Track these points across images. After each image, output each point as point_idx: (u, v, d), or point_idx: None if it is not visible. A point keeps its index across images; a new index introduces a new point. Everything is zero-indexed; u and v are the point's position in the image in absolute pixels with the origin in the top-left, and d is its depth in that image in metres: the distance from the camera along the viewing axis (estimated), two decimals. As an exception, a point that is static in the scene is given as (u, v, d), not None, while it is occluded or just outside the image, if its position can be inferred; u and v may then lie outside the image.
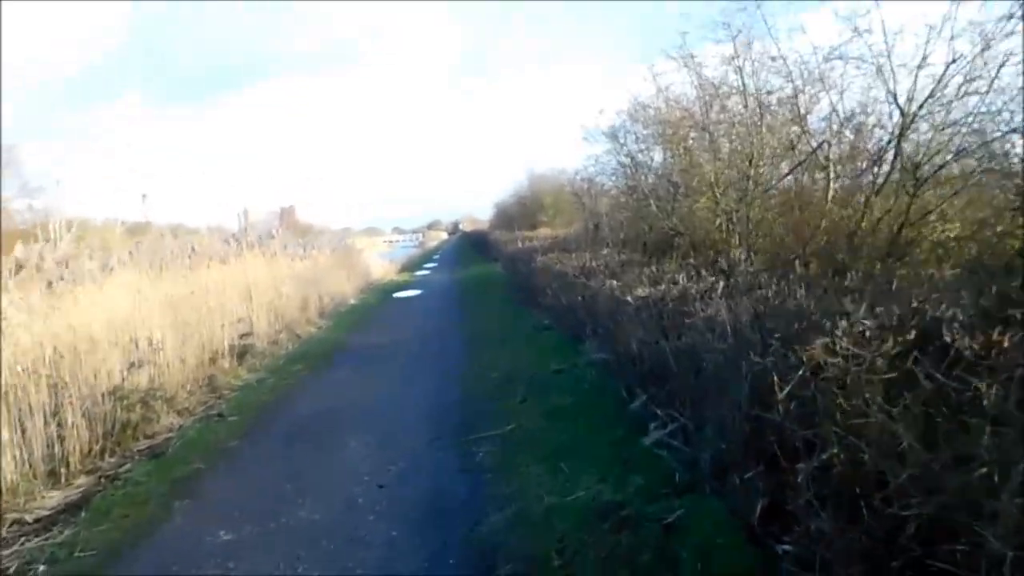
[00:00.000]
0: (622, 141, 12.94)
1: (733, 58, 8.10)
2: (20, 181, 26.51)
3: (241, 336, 8.77)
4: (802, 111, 7.51)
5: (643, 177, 12.59)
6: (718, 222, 8.38)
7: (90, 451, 5.11)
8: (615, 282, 6.01)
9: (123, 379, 5.85)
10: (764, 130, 8.17)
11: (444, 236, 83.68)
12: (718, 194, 8.87)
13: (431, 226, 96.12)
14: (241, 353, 8.49)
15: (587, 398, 5.30)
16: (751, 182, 8.48)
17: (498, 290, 14.18)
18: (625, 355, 5.17)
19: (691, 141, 10.30)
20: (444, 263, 31.28)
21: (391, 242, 73.86)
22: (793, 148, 7.61)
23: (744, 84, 8.19)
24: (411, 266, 29.04)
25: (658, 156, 12.37)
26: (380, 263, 23.78)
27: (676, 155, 10.55)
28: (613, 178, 13.93)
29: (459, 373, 7.35)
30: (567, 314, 7.39)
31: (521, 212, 28.73)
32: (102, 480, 4.91)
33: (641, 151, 12.52)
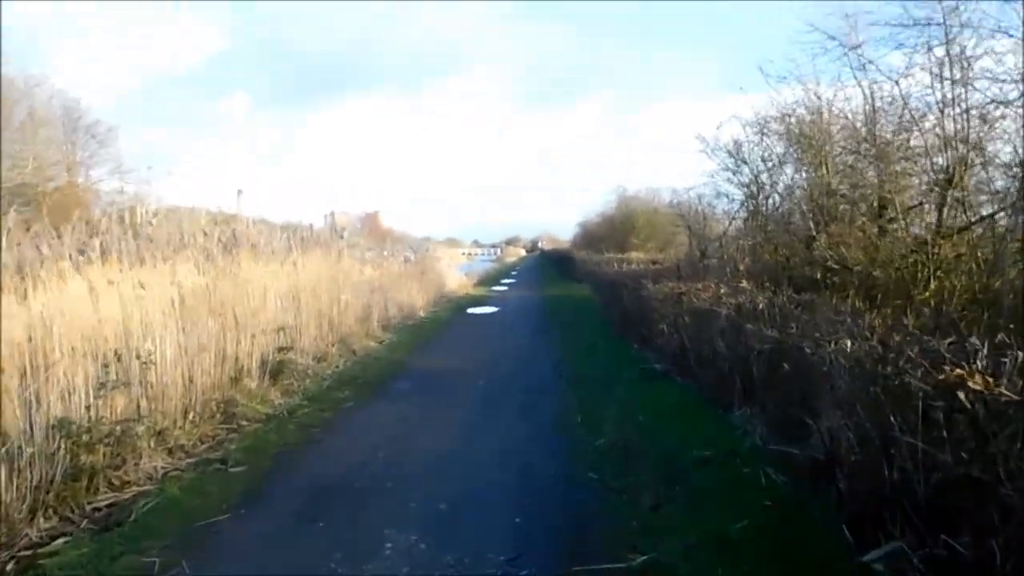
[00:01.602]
0: (745, 158, 10.90)
1: (939, 64, 5.97)
2: (114, 163, 26.65)
3: (279, 349, 7.14)
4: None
5: (773, 199, 10.48)
6: (911, 258, 6.12)
7: (5, 515, 3.45)
8: (794, 330, 3.94)
9: (88, 405, 4.21)
10: (969, 148, 5.92)
11: (522, 253, 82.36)
12: (903, 221, 6.65)
13: (510, 242, 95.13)
14: (276, 371, 6.84)
15: (772, 523, 3.16)
16: (947, 210, 6.23)
17: (590, 317, 12.16)
18: (833, 454, 3.11)
19: (852, 158, 8.14)
20: (524, 280, 29.47)
21: (470, 254, 73.11)
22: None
23: (949, 95, 5.99)
24: (488, 280, 27.39)
25: (788, 175, 10.29)
26: (456, 275, 22.19)
27: (822, 175, 8.42)
28: (729, 200, 11.86)
29: (547, 426, 5.41)
30: (704, 367, 5.33)
31: (610, 233, 26.68)
32: (8, 567, 3.24)
33: (770, 169, 10.46)
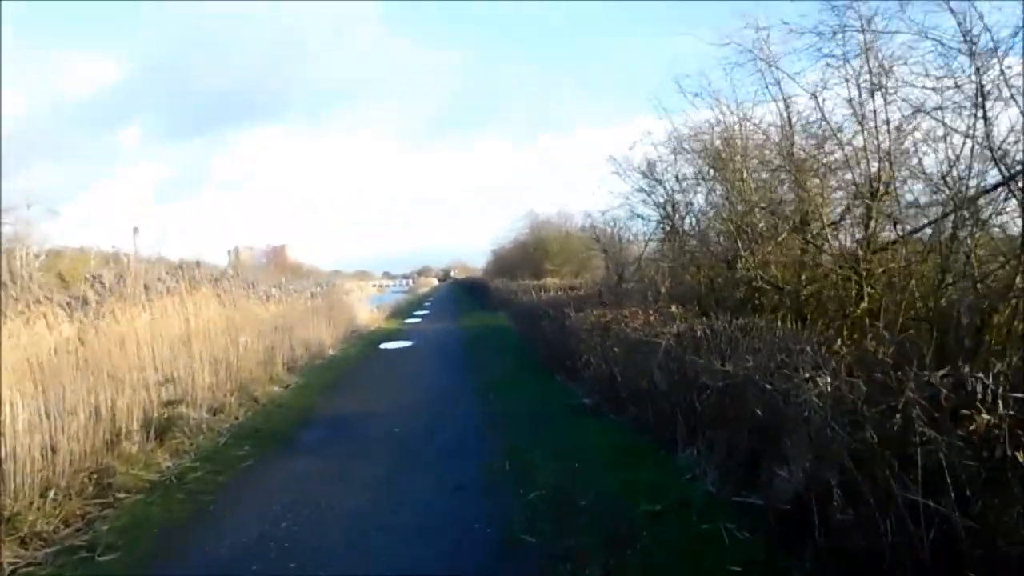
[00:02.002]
0: (660, 178, 10.97)
1: (856, 75, 5.98)
2: None
3: (166, 404, 6.32)
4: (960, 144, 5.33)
5: (690, 219, 10.57)
6: (841, 274, 6.11)
7: None
8: (749, 362, 3.69)
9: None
10: (891, 160, 6.01)
11: (435, 282, 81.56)
12: (828, 236, 6.68)
13: (421, 272, 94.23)
14: (163, 429, 6.03)
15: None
16: (874, 223, 6.30)
17: (509, 348, 11.79)
18: (805, 505, 2.82)
19: (769, 174, 8.22)
20: (438, 310, 28.83)
21: (381, 286, 71.65)
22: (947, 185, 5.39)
23: (869, 106, 6.01)
24: (401, 312, 26.60)
25: (704, 194, 10.41)
26: (367, 308, 21.33)
27: (741, 190, 8.47)
28: (645, 221, 11.94)
29: (473, 478, 4.93)
30: (639, 402, 5.04)
31: (523, 259, 26.62)
32: None
33: (684, 189, 10.56)
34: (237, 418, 7.43)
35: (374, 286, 69.35)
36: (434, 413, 7.35)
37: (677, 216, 10.68)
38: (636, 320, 5.82)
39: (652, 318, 5.67)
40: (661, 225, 11.49)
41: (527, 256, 26.14)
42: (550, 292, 12.52)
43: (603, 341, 5.63)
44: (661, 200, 11.06)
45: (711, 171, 9.39)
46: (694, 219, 10.55)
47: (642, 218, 12.08)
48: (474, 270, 58.03)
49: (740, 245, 7.83)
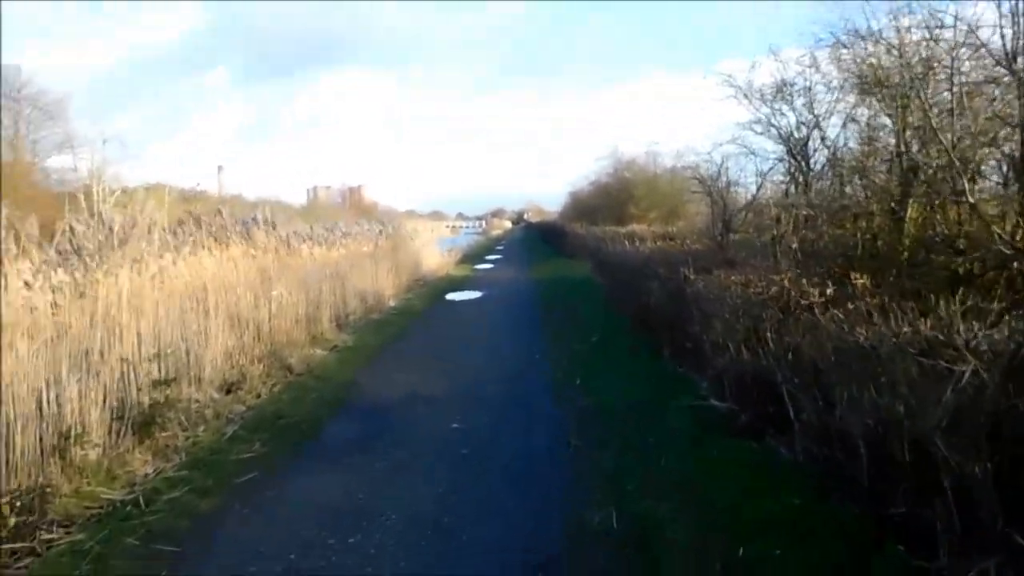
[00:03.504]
0: (790, 100, 8.66)
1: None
2: (63, 137, 23.73)
3: (156, 385, 4.81)
4: None
5: (823, 153, 8.29)
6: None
7: None
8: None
9: None
10: None
11: (508, 225, 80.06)
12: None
13: (495, 214, 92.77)
14: (146, 422, 4.53)
15: None
16: None
17: (595, 310, 9.83)
18: None
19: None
20: (511, 256, 27.07)
21: (455, 227, 70.88)
22: None
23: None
24: (473, 257, 24.97)
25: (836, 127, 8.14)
26: (435, 252, 19.73)
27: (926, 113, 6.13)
28: (761, 159, 9.73)
29: (557, 540, 3.17)
30: (846, 447, 2.98)
31: (605, 203, 24.21)
32: None
33: (821, 116, 8.25)
34: (259, 395, 5.92)
35: (447, 227, 68.70)
36: (505, 402, 5.61)
37: (819, 145, 8.42)
38: (824, 301, 3.77)
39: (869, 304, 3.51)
40: (785, 162, 9.26)
41: (609, 199, 23.70)
42: (645, 241, 10.42)
43: (778, 330, 3.65)
44: (788, 130, 8.80)
45: (876, 89, 7.01)
46: (834, 153, 8.25)
47: (755, 154, 9.84)
48: (549, 213, 55.77)
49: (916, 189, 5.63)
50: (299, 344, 7.50)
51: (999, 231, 4.49)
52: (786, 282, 4.18)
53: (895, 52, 6.38)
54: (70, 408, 3.90)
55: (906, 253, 6.03)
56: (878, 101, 6.80)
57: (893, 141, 6.71)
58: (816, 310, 3.77)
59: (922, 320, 2.55)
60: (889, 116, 6.67)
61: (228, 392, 5.78)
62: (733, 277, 4.76)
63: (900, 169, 6.43)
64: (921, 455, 2.29)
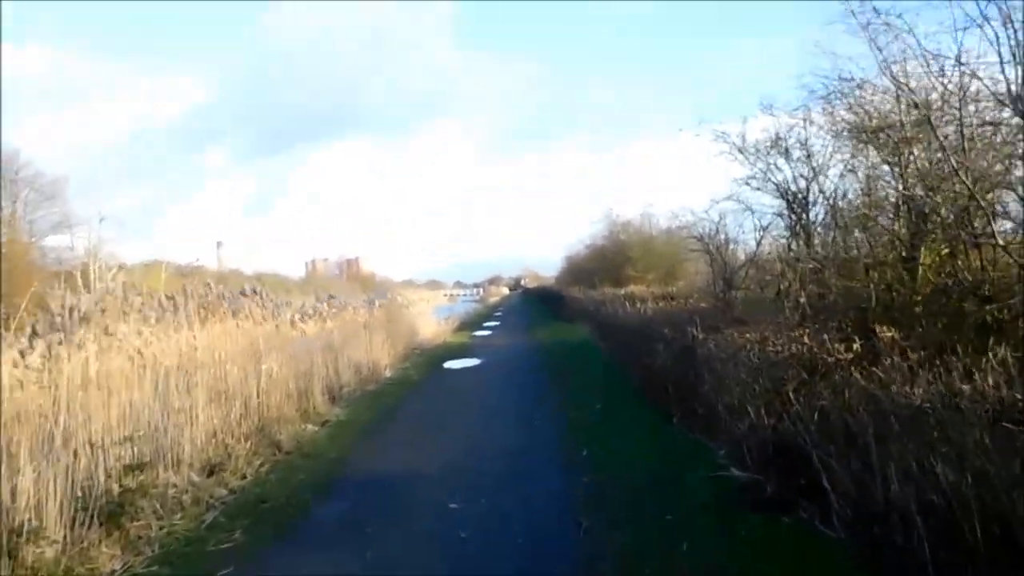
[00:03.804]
0: (786, 152, 8.67)
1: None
2: (60, 217, 23.83)
3: (128, 470, 4.44)
4: None
5: (824, 206, 8.22)
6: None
7: None
8: None
9: None
10: None
11: (505, 291, 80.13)
12: None
13: (492, 281, 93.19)
14: (115, 512, 4.14)
15: None
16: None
17: (597, 374, 9.48)
18: None
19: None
20: (510, 322, 26.75)
21: (452, 295, 70.94)
22: None
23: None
24: (470, 324, 24.66)
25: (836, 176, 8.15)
26: (431, 320, 19.41)
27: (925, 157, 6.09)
28: (757, 215, 9.71)
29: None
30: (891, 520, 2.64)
31: (601, 265, 24.11)
32: None
33: (818, 168, 8.24)
34: (245, 476, 5.51)
35: (445, 295, 68.73)
36: (506, 478, 5.20)
37: (818, 197, 8.33)
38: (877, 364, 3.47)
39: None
40: (785, 217, 9.14)
41: (606, 261, 23.63)
42: (646, 302, 10.18)
43: (803, 391, 3.32)
44: (786, 184, 8.73)
45: (877, 136, 6.92)
46: (834, 204, 8.13)
47: (752, 211, 9.75)
48: (545, 279, 55.89)
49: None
50: (290, 420, 7.11)
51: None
52: (806, 339, 3.89)
53: (892, 97, 6.34)
54: (25, 500, 3.53)
55: (922, 302, 5.80)
56: (876, 149, 6.72)
57: (895, 188, 6.60)
58: (845, 368, 3.48)
59: (977, 376, 2.26)
60: (888, 163, 6.58)
61: (211, 474, 5.37)
62: (748, 335, 4.47)
63: (908, 215, 6.29)
64: (997, 532, 1.95)
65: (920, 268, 5.95)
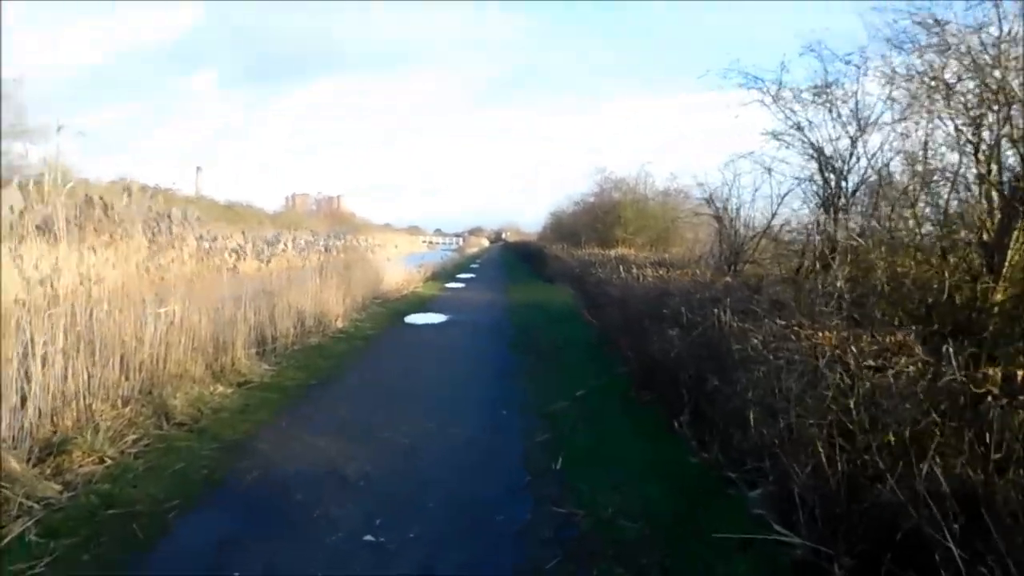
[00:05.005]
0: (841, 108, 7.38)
1: None
2: (15, 120, 21.75)
3: None
4: None
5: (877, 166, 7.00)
6: None
7: None
8: None
9: None
10: None
11: (485, 243, 78.53)
12: None
13: (473, 232, 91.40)
14: None
15: None
16: None
17: (582, 354, 8.07)
18: None
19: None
20: (486, 276, 25.26)
21: (431, 243, 69.28)
22: None
23: None
24: (444, 275, 23.15)
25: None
26: (400, 268, 17.81)
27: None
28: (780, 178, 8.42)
29: None
30: None
31: (589, 224, 22.56)
32: None
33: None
34: (103, 460, 4.08)
35: (424, 242, 66.96)
36: (450, 509, 3.82)
37: (863, 161, 7.00)
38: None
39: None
40: (812, 182, 7.75)
41: (594, 221, 22.07)
42: (643, 268, 8.76)
43: (950, 441, 1.98)
44: (820, 142, 7.33)
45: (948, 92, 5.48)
46: (880, 172, 6.76)
47: (771, 172, 8.35)
48: (528, 235, 54.33)
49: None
50: (193, 379, 5.67)
51: None
52: (918, 350, 2.52)
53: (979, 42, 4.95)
54: None
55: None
56: (947, 109, 5.33)
57: (959, 158, 5.30)
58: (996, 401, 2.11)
59: None
60: (964, 127, 5.20)
61: (49, 457, 3.93)
62: (823, 333, 3.06)
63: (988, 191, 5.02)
64: None
65: (1009, 254, 4.68)
